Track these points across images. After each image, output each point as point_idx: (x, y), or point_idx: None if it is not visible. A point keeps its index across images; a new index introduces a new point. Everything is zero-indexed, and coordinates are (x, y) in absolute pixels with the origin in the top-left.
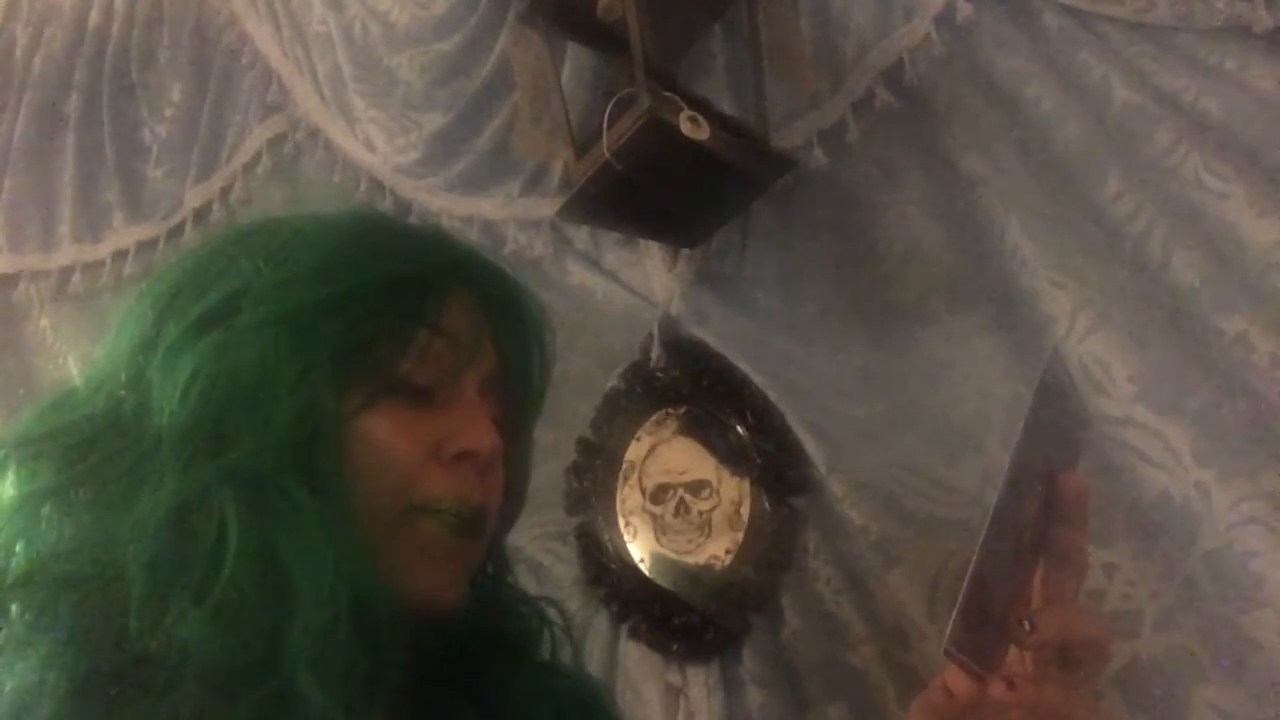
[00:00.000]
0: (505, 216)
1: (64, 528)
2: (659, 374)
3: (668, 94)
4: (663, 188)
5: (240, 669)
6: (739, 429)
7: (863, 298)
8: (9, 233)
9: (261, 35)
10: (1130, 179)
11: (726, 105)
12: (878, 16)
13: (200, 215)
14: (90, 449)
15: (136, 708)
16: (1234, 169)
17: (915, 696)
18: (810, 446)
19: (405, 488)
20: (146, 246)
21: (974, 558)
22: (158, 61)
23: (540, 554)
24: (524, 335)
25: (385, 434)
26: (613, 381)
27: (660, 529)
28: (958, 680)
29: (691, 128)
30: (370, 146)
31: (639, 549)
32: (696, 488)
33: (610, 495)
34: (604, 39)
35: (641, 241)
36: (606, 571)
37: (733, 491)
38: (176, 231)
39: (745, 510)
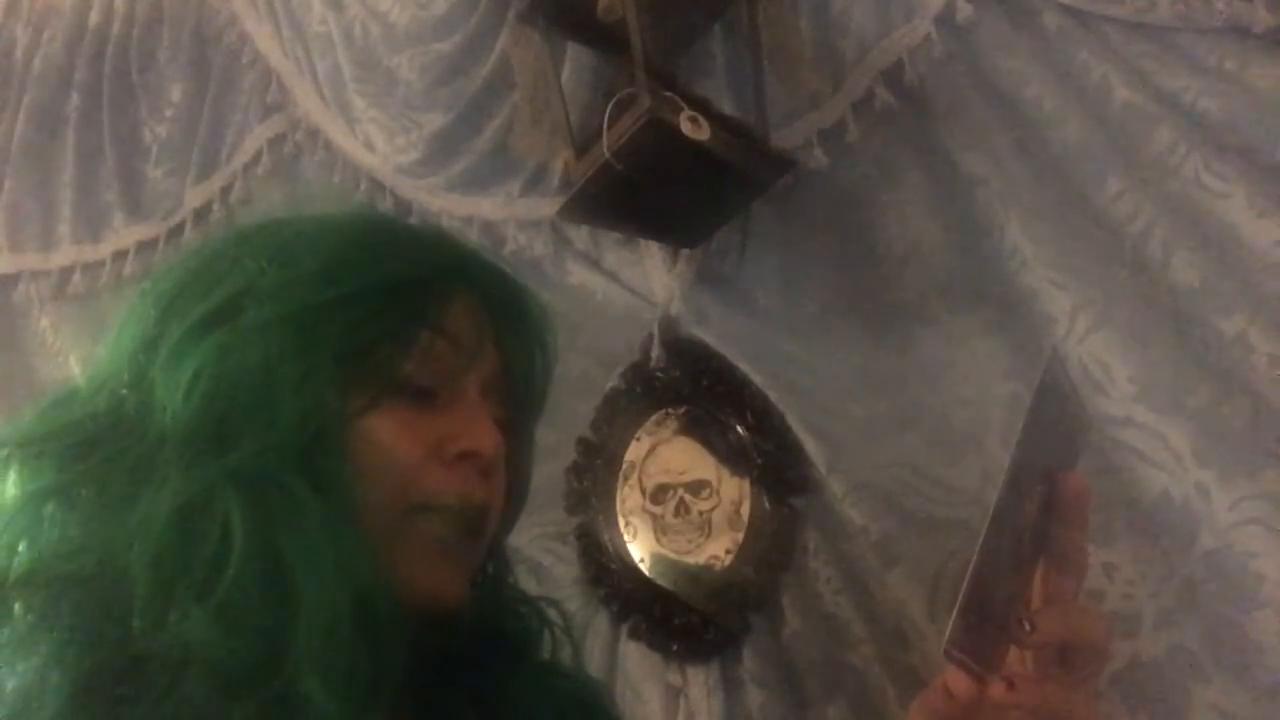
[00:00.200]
0: (505, 216)
1: (67, 527)
2: (659, 374)
3: (668, 94)
4: (663, 188)
5: (243, 669)
6: (739, 429)
7: (862, 298)
8: (9, 233)
9: (261, 35)
10: (1130, 179)
11: (726, 105)
12: (878, 16)
13: (200, 215)
14: (93, 448)
15: (139, 707)
16: (1234, 169)
17: (915, 696)
18: (810, 446)
19: (407, 487)
20: (146, 246)
21: (974, 558)
22: (158, 61)
23: (540, 554)
24: (526, 336)
25: (388, 434)
26: (613, 381)
27: (660, 529)
28: (957, 680)
29: (692, 128)
30: (370, 146)
31: (639, 549)
32: (696, 488)
33: (610, 495)
34: (604, 39)
35: (641, 241)
36: (606, 571)
37: (733, 491)
38: (176, 231)
39: (745, 510)
